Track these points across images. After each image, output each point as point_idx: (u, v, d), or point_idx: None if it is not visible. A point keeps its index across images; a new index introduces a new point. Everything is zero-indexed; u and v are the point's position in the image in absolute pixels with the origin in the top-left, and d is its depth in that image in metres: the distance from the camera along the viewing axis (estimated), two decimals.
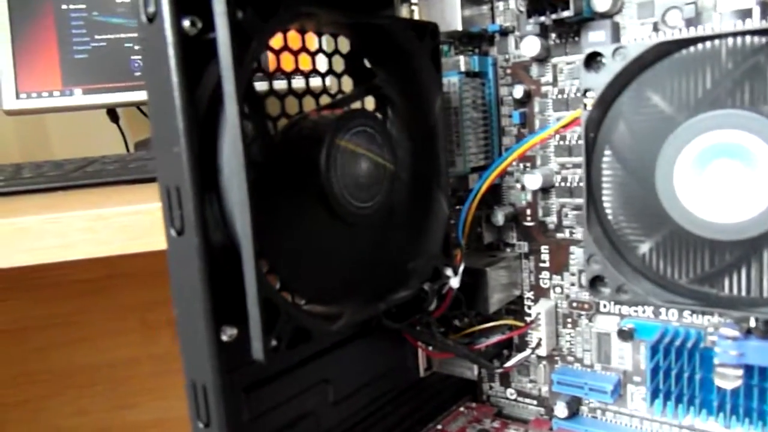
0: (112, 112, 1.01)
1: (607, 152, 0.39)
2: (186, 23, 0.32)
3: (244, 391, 0.39)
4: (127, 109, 1.03)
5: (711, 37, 0.35)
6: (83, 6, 0.92)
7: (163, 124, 0.33)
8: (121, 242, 0.51)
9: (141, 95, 0.93)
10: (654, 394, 0.45)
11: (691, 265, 0.38)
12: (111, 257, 0.51)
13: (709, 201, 0.36)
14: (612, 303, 0.50)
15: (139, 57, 0.93)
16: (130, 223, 0.51)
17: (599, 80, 0.38)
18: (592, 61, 0.38)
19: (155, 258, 0.50)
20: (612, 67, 0.37)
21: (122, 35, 0.93)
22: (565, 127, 0.43)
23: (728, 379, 0.39)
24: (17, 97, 0.91)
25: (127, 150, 1.05)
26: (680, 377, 0.44)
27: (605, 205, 0.40)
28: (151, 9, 0.32)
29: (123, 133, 1.04)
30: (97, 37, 0.93)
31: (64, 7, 0.92)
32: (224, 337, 0.34)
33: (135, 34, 0.93)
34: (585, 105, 0.38)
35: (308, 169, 0.38)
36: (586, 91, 0.38)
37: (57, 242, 0.50)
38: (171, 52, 0.32)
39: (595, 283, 0.41)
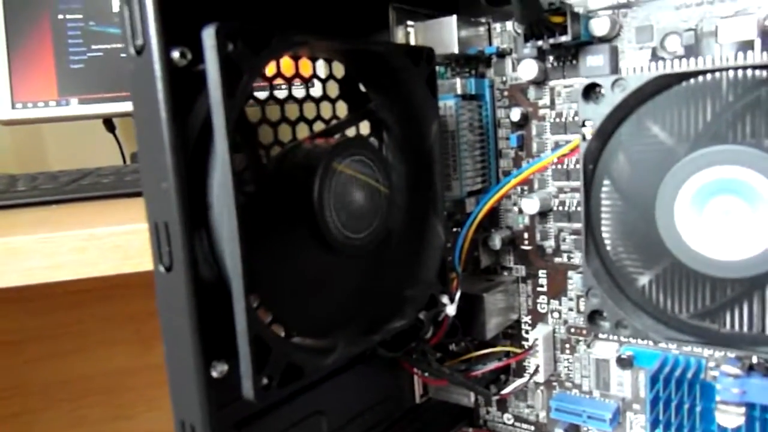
0: (108, 122, 1.01)
1: (606, 182, 0.38)
2: (175, 54, 0.31)
3: (235, 428, 0.38)
4: (124, 119, 1.03)
5: (712, 71, 0.34)
6: (80, 16, 0.92)
7: (151, 159, 0.32)
8: (114, 263, 0.51)
9: None
10: (654, 425, 0.44)
11: (691, 299, 0.37)
12: None
13: (710, 237, 0.35)
14: None
15: None
16: (123, 243, 0.51)
17: (598, 111, 0.37)
18: (591, 91, 0.38)
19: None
20: (611, 98, 0.36)
21: (119, 45, 0.93)
22: (567, 154, 0.43)
23: (730, 417, 0.38)
24: (13, 107, 0.90)
25: (124, 160, 1.04)
26: (680, 408, 0.43)
27: (604, 235, 0.39)
28: (140, 41, 0.31)
29: (119, 143, 1.04)
30: (93, 47, 0.92)
31: (60, 17, 0.91)
32: (214, 374, 0.33)
33: None
34: (584, 136, 0.38)
35: (301, 199, 0.38)
36: (584, 121, 0.38)
37: (48, 263, 0.50)
38: (159, 86, 0.31)
39: (594, 316, 0.40)
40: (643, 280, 0.39)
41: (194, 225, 0.32)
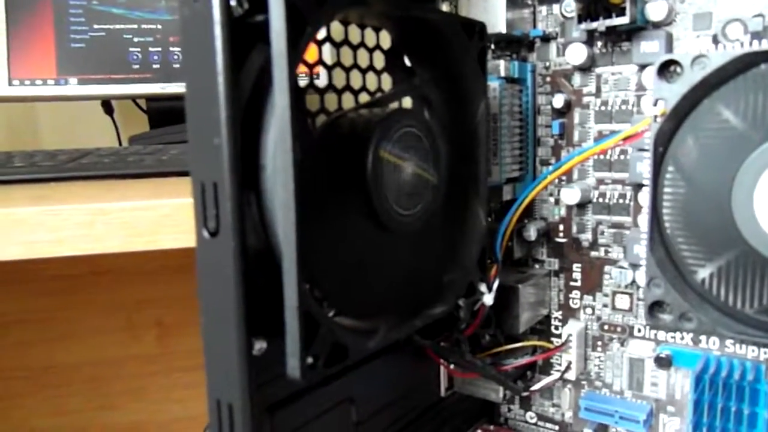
0: (106, 104, 0.98)
1: (671, 168, 0.37)
2: (233, 2, 0.29)
3: (268, 411, 0.36)
4: (122, 102, 1.00)
5: None
6: None
7: (202, 114, 0.30)
8: (122, 239, 0.48)
9: (138, 88, 0.89)
10: (696, 427, 0.42)
11: (756, 292, 0.35)
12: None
13: None
14: (648, 327, 0.48)
15: (138, 49, 0.90)
16: (131, 220, 0.48)
17: (674, 90, 0.35)
18: (667, 69, 0.36)
19: (145, 256, 0.46)
20: (689, 77, 0.35)
21: (122, 26, 0.90)
22: (631, 137, 0.41)
23: None
24: (10, 83, 0.87)
25: (120, 143, 1.01)
26: (726, 411, 0.42)
27: (665, 225, 0.37)
28: None
29: (117, 126, 1.01)
30: (95, 26, 0.89)
31: None
32: (254, 351, 0.31)
33: (135, 26, 0.90)
34: (655, 117, 0.36)
35: (351, 170, 0.35)
36: (657, 101, 0.36)
37: (53, 236, 0.47)
38: (218, 32, 0.28)
39: (654, 309, 0.38)
40: (704, 272, 0.37)
41: (244, 186, 0.30)
